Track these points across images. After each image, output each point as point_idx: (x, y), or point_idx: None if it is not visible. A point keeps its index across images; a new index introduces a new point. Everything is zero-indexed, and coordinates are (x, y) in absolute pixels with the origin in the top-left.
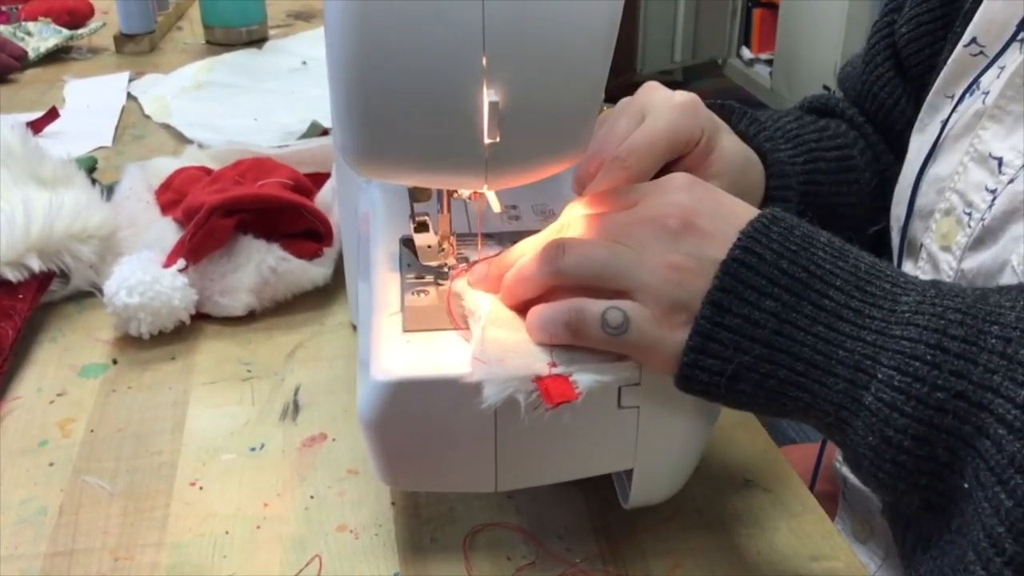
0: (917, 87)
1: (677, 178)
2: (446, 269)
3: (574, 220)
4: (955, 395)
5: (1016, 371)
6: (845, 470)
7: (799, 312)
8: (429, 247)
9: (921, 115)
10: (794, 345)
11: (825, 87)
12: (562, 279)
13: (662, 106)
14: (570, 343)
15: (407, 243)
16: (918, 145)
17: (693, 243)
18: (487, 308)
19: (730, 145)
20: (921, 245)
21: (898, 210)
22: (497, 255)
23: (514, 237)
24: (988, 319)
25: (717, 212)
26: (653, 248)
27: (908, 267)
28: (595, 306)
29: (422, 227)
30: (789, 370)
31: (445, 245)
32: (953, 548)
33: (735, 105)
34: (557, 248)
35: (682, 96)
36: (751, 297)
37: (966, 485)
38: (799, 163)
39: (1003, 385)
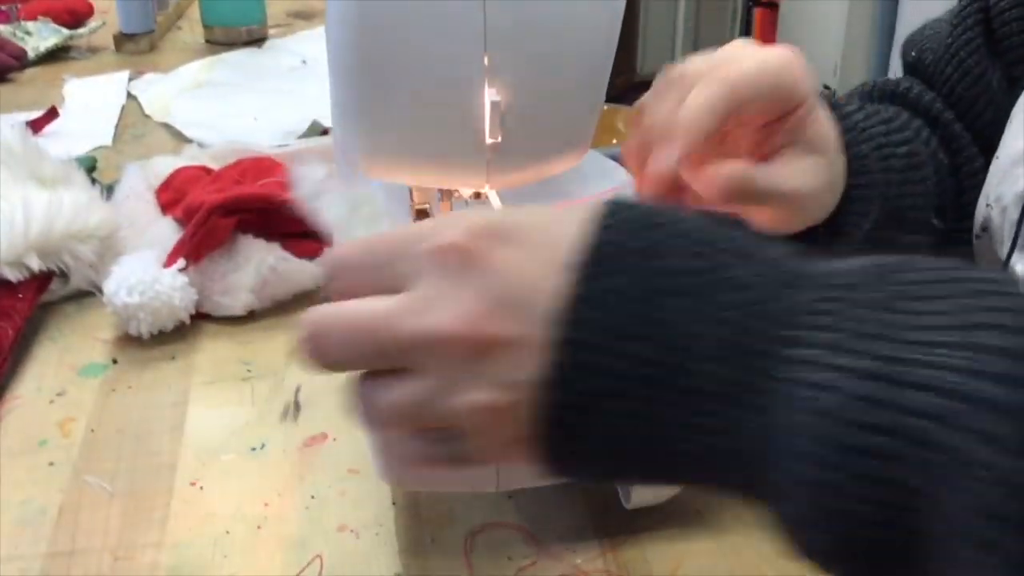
0: (1007, 62)
1: (446, 250)
2: None
3: (322, 318)
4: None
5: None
6: None
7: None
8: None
9: None
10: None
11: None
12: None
13: (740, 55)
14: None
15: None
16: None
17: (499, 366)
18: None
19: (827, 119)
20: None
21: (1002, 190)
22: None
23: None
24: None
25: (511, 299)
26: (453, 382)
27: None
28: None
29: (422, 215)
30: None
31: None
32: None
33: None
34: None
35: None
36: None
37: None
38: (874, 159)
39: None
